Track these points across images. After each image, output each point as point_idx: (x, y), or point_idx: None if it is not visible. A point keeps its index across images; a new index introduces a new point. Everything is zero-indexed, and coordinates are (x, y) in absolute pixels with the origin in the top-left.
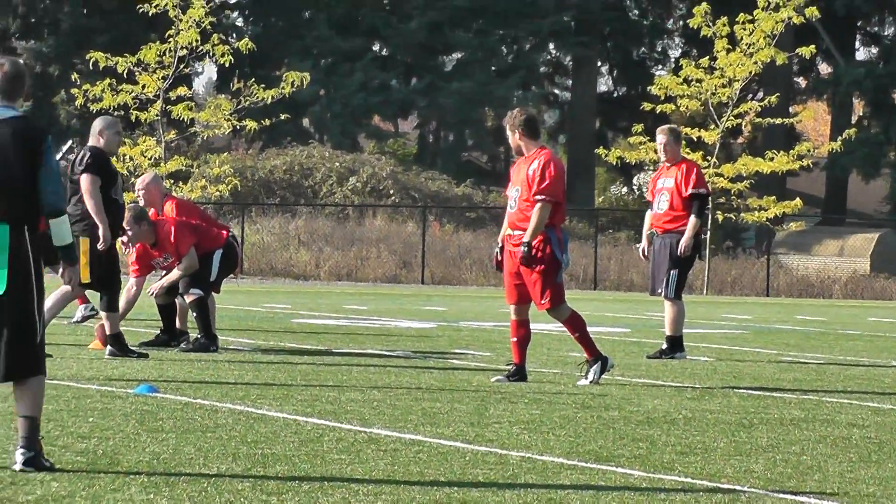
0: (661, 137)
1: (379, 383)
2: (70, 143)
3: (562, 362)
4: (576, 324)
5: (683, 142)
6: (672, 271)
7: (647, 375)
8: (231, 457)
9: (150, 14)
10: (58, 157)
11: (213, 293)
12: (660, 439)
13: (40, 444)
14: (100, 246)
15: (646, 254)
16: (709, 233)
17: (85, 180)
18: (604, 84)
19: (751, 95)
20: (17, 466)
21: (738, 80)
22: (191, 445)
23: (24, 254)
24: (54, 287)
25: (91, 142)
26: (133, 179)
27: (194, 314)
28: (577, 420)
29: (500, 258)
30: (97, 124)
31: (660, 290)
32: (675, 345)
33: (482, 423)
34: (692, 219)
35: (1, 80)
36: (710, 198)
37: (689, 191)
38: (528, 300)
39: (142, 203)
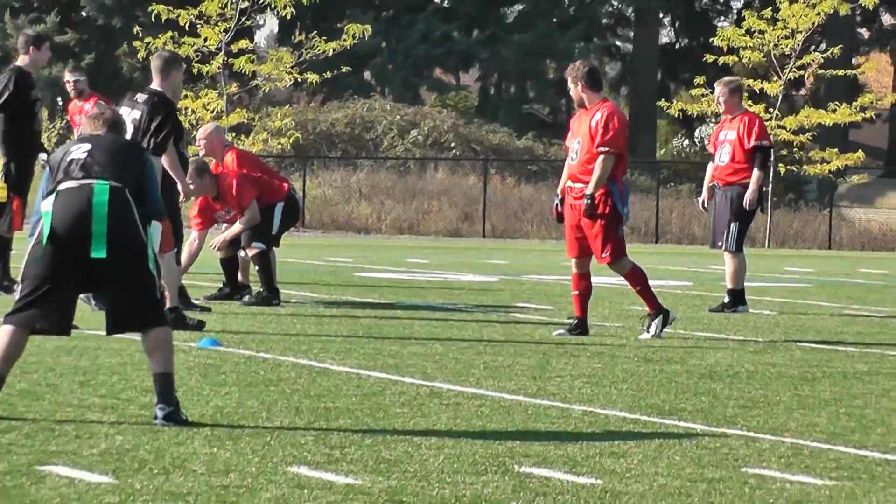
0: (718, 90)
1: (441, 337)
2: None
3: (623, 316)
4: (637, 277)
5: (745, 94)
6: (733, 224)
7: (710, 329)
8: (294, 410)
9: None
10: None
11: (274, 247)
12: (722, 393)
13: (176, 398)
14: (182, 200)
15: (706, 206)
16: (771, 185)
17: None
18: (665, 36)
19: (813, 47)
20: (159, 422)
21: (800, 32)
22: (254, 399)
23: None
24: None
25: (157, 84)
26: (194, 133)
27: (256, 267)
28: (639, 374)
29: (560, 210)
30: (162, 62)
31: (720, 244)
32: (738, 298)
33: (544, 377)
34: (756, 171)
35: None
36: (772, 150)
37: (752, 143)
38: (589, 253)
39: (202, 153)
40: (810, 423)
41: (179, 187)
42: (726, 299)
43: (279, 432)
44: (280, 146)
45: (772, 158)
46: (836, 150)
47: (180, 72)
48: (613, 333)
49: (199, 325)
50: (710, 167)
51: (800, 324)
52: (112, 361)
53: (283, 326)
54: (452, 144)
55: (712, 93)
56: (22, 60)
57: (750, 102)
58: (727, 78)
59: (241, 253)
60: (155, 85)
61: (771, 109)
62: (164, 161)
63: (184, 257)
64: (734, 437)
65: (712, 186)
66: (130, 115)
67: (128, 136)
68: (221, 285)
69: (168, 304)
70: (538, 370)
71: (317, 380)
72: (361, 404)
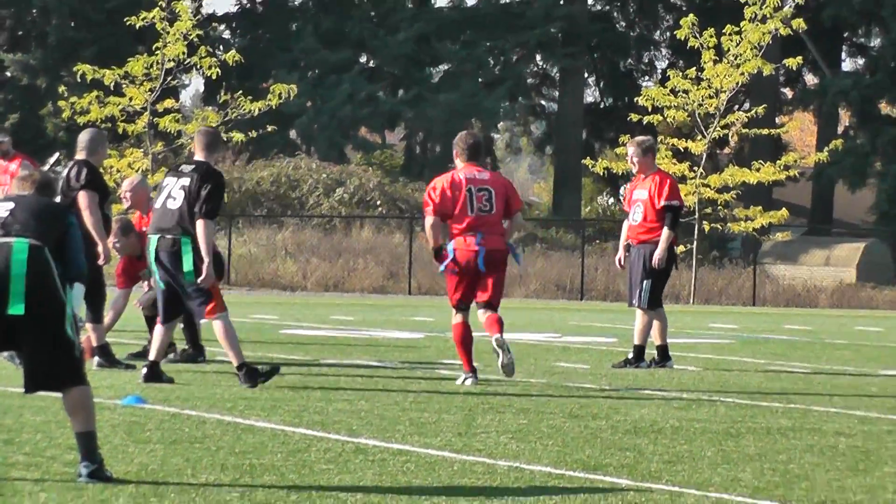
0: (631, 150)
1: (366, 394)
2: (57, 155)
3: (549, 372)
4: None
5: (669, 152)
6: (645, 282)
7: (635, 385)
8: (219, 467)
9: (137, 27)
10: (45, 168)
11: None
12: (647, 448)
13: (100, 455)
14: (100, 262)
15: (622, 264)
16: (695, 243)
17: (84, 197)
18: (591, 95)
19: (737, 106)
20: (83, 479)
21: (724, 91)
22: (179, 456)
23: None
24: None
25: (83, 155)
26: (118, 192)
27: (181, 325)
28: (564, 430)
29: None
30: (90, 138)
31: (635, 301)
32: (641, 354)
33: (470, 433)
34: (665, 231)
35: None
36: (682, 209)
37: (662, 203)
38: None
39: (127, 205)
40: (735, 478)
41: (100, 249)
42: (630, 355)
43: (204, 489)
44: None
45: (689, 218)
46: (760, 207)
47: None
48: (539, 390)
49: (129, 368)
50: (625, 225)
51: (724, 380)
52: (36, 419)
53: (209, 383)
54: (378, 203)
55: None
56: None
57: (674, 161)
58: (639, 137)
59: None
60: (200, 158)
61: (695, 168)
62: (88, 221)
63: (108, 316)
64: (659, 493)
65: (628, 244)
66: (178, 183)
67: (57, 199)
68: (146, 343)
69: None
70: (464, 426)
71: (242, 437)
72: (287, 461)
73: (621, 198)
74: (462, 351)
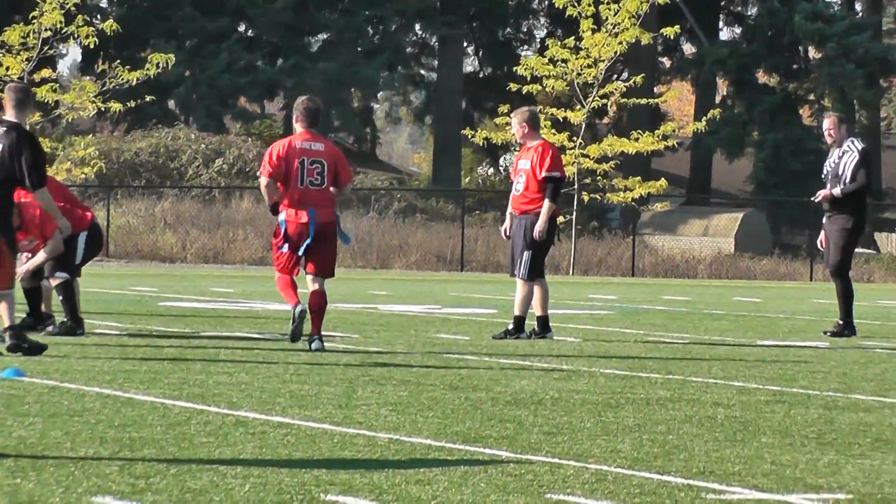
0: (514, 120)
1: (247, 366)
2: None
3: (429, 344)
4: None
5: (549, 122)
6: (526, 252)
7: (514, 356)
8: (98, 440)
9: None
10: None
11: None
12: (527, 420)
13: None
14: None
15: (508, 234)
16: (575, 213)
17: None
18: (470, 65)
19: (616, 76)
20: None
21: (603, 61)
22: (58, 429)
23: None
24: None
25: (13, 116)
26: None
27: (60, 297)
28: (444, 401)
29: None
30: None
31: (516, 272)
32: (521, 325)
33: (350, 406)
34: (546, 203)
35: None
36: (563, 180)
37: (543, 174)
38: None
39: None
40: (614, 450)
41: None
42: (510, 326)
43: (83, 463)
44: (84, 176)
45: (568, 189)
46: (638, 178)
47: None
48: (419, 362)
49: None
50: (511, 196)
51: (603, 350)
52: None
53: (87, 356)
54: (258, 173)
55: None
56: None
57: (554, 131)
58: (522, 108)
59: (45, 283)
60: (10, 117)
61: (574, 138)
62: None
63: None
64: (538, 464)
65: (512, 214)
66: None
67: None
68: (24, 315)
69: None
70: (344, 398)
71: (121, 410)
72: (166, 434)
73: (509, 168)
74: (287, 293)
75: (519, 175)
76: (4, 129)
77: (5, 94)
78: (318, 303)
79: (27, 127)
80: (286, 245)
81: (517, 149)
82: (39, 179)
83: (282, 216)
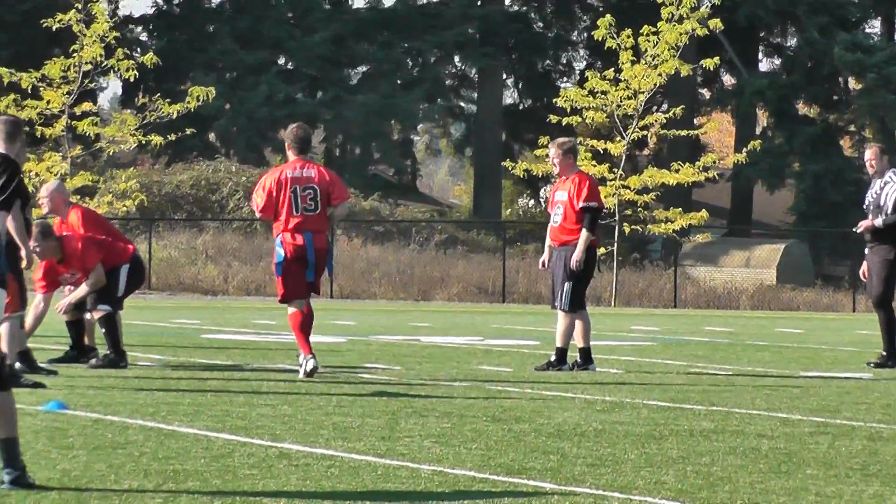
0: (552, 151)
1: (290, 398)
2: None
3: (472, 376)
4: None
5: (589, 154)
6: (566, 284)
7: (557, 388)
8: (142, 473)
9: (53, 29)
10: None
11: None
12: (571, 452)
13: (22, 462)
14: (23, 266)
15: (547, 266)
16: (616, 245)
17: None
18: (509, 96)
19: (656, 107)
20: (5, 486)
21: (642, 92)
22: (101, 462)
23: None
24: None
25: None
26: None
27: (102, 330)
28: (487, 433)
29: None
30: (11, 126)
31: (557, 303)
32: (563, 357)
33: (393, 438)
34: (583, 233)
35: None
36: (601, 210)
37: (580, 204)
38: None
39: (46, 210)
40: (658, 481)
41: (22, 254)
42: (552, 357)
43: (127, 495)
44: (125, 208)
45: (609, 220)
46: (679, 209)
47: (23, 135)
48: (462, 393)
49: (37, 386)
50: (549, 227)
51: (646, 382)
52: None
53: (130, 389)
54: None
55: None
56: None
57: (594, 163)
58: (560, 139)
59: (87, 315)
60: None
61: (615, 169)
62: (10, 226)
63: (29, 320)
64: (583, 496)
65: (551, 246)
66: None
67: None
68: (67, 348)
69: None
70: (387, 430)
71: (165, 442)
72: (210, 466)
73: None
74: (300, 335)
75: (557, 206)
76: None
77: None
78: (308, 322)
79: (14, 157)
80: (285, 269)
81: (556, 180)
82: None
83: (278, 241)
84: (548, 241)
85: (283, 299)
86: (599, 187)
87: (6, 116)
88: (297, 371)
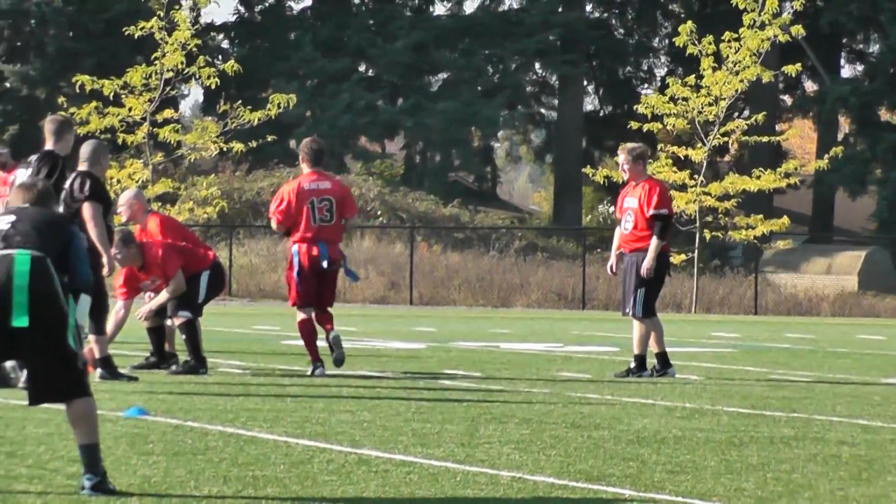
0: (622, 157)
1: (369, 404)
2: None
3: (551, 382)
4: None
5: (669, 160)
6: (639, 290)
7: (637, 395)
8: (222, 479)
9: (135, 37)
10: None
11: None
12: (650, 458)
13: (103, 468)
14: (104, 273)
15: (614, 270)
16: (696, 251)
17: (88, 208)
18: (590, 103)
19: (737, 114)
20: (86, 492)
21: (724, 99)
22: (181, 468)
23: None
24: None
25: (85, 167)
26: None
27: (183, 336)
28: (567, 440)
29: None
30: (91, 149)
31: (628, 310)
32: (643, 363)
33: (473, 444)
34: (654, 240)
35: None
36: (671, 217)
37: (651, 212)
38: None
39: (124, 219)
40: (738, 488)
41: (104, 261)
42: (632, 364)
43: (207, 501)
44: (206, 215)
45: (690, 227)
46: (760, 216)
47: (73, 133)
48: (542, 399)
49: (132, 380)
50: (617, 232)
51: (726, 389)
52: (39, 432)
53: (210, 395)
54: (378, 212)
55: None
56: None
57: (675, 169)
58: (630, 144)
59: (168, 322)
60: (49, 146)
61: (695, 176)
62: (92, 233)
63: (110, 327)
64: (663, 503)
65: (620, 253)
66: (26, 174)
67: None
68: (148, 354)
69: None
70: (466, 437)
71: (244, 448)
72: (289, 472)
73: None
74: (309, 344)
75: (627, 213)
76: (38, 155)
77: (45, 126)
78: (332, 325)
79: (62, 155)
80: (301, 275)
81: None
82: None
83: (294, 249)
84: (614, 245)
85: (296, 304)
86: (679, 194)
87: (54, 115)
88: (376, 377)
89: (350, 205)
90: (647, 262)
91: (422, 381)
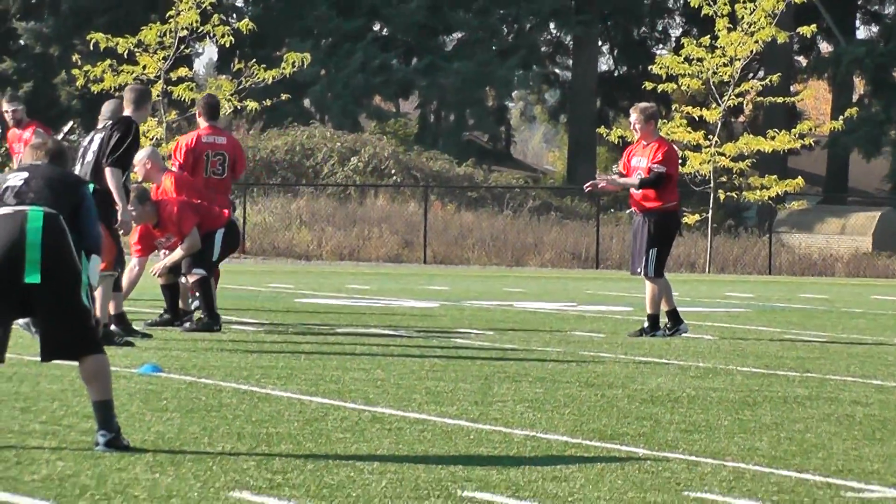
0: (634, 116)
1: (383, 362)
2: (71, 123)
3: (565, 341)
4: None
5: (684, 121)
6: (651, 250)
7: (651, 354)
8: (236, 436)
9: None
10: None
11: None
12: (664, 417)
13: (117, 424)
14: (117, 227)
15: (592, 187)
16: (711, 212)
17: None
18: (604, 63)
19: (752, 74)
20: (100, 448)
21: (739, 59)
22: (195, 425)
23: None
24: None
25: (129, 111)
26: None
27: (197, 293)
28: (580, 398)
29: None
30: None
31: (639, 269)
32: (656, 323)
33: (486, 402)
34: (636, 181)
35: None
36: (669, 177)
37: (651, 165)
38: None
39: (140, 178)
40: (751, 447)
41: (119, 214)
42: (646, 324)
43: (221, 458)
44: None
45: (704, 187)
46: (775, 176)
47: (150, 103)
48: (555, 358)
49: (127, 344)
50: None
51: (740, 349)
52: (53, 388)
53: (224, 352)
54: (393, 171)
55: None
56: None
57: (689, 129)
58: (642, 104)
59: (182, 279)
60: (127, 112)
61: (710, 136)
62: (111, 184)
63: (124, 283)
64: (676, 462)
65: (630, 212)
66: (98, 138)
67: (75, 168)
68: (162, 312)
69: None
70: (480, 395)
71: (258, 405)
72: (303, 429)
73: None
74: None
75: (636, 172)
76: (116, 121)
77: (125, 94)
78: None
79: (138, 122)
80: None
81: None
82: (113, 160)
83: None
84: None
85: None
86: (693, 154)
87: (134, 84)
88: (390, 335)
89: (242, 161)
90: (612, 180)
91: (435, 339)
